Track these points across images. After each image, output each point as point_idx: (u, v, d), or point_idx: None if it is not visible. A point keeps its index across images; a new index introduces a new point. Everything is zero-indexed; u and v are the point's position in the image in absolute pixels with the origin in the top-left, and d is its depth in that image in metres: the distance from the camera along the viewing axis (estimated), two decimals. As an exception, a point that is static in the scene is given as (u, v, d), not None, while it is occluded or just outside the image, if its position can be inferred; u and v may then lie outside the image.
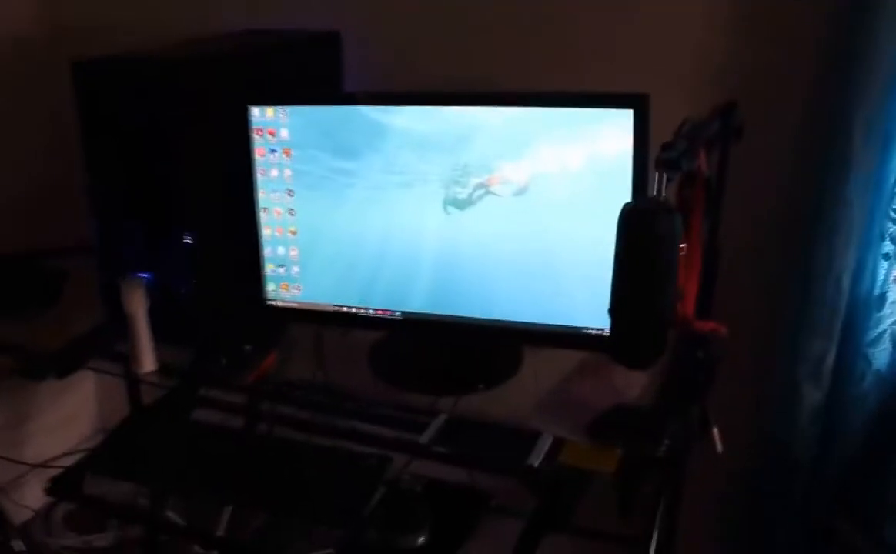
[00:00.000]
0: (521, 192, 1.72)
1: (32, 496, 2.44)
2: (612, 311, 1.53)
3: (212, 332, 1.91)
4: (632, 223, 1.45)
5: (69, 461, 2.07)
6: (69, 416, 2.55)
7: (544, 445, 1.68)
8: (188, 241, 1.83)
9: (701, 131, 1.58)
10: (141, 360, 1.87)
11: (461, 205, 1.76)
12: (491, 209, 1.75)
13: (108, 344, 1.93)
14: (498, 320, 1.83)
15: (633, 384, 1.81)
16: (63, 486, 1.93)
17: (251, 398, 2.09)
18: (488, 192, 1.74)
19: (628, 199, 1.65)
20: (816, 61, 1.81)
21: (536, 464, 1.64)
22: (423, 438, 1.71)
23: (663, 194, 1.49)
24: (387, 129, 1.78)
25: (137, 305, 1.84)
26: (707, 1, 1.89)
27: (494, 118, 1.73)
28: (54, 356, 1.93)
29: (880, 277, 1.85)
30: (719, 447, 1.70)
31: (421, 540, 1.69)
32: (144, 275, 1.86)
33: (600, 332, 1.75)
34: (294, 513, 1.78)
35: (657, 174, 1.49)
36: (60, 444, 2.35)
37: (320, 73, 2.13)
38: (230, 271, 1.94)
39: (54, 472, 1.98)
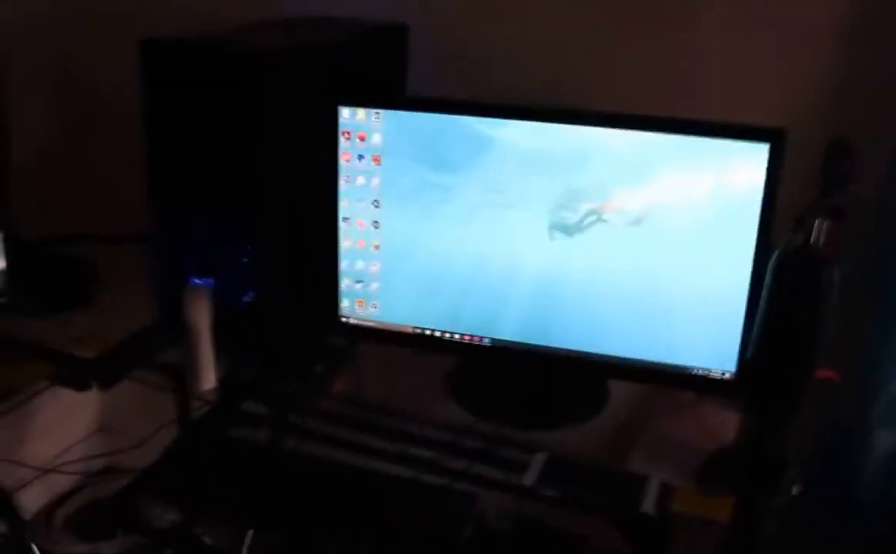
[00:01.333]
0: (637, 221, 1.60)
1: (29, 497, 2.21)
2: (756, 357, 1.44)
3: (279, 348, 1.73)
4: (795, 273, 1.36)
5: (76, 467, 1.92)
6: (67, 411, 2.33)
7: (653, 490, 1.58)
8: (256, 246, 1.66)
9: (833, 169, 1.50)
10: (201, 376, 1.68)
11: (569, 231, 1.63)
12: (602, 238, 1.62)
13: (156, 352, 1.74)
14: (597, 354, 1.70)
15: (728, 427, 1.72)
16: (122, 512, 1.72)
17: (322, 422, 1.88)
18: (600, 220, 1.61)
19: (753, 237, 1.56)
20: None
21: (651, 512, 1.54)
22: (528, 479, 1.58)
23: (822, 242, 1.41)
24: (490, 143, 1.63)
25: (202, 315, 1.65)
26: (809, 33, 1.79)
27: (615, 141, 1.59)
28: (97, 363, 1.72)
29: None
30: (796, 490, 1.63)
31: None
32: (208, 281, 1.67)
33: (707, 372, 1.65)
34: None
35: (818, 221, 1.41)
36: (59, 442, 2.14)
37: (382, 72, 1.92)
38: (302, 283, 1.76)
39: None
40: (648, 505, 1.54)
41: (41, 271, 1.98)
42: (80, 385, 1.74)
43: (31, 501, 2.03)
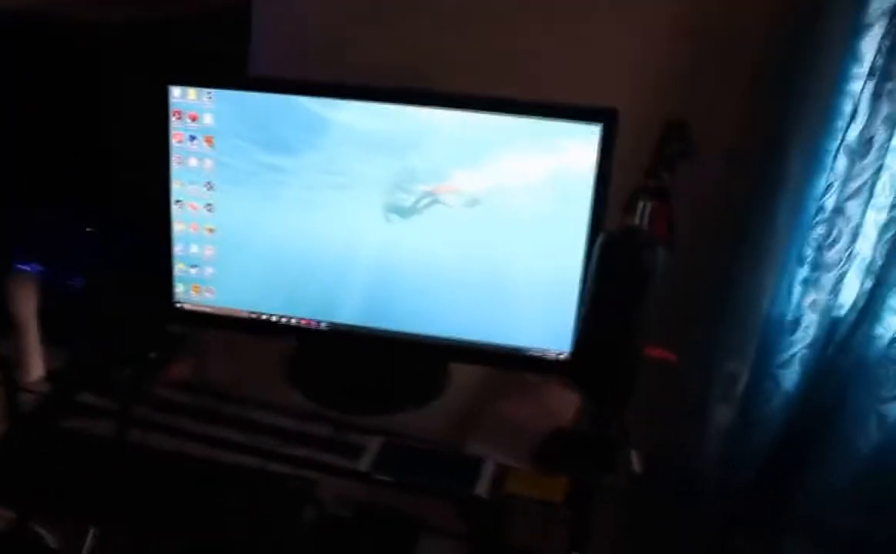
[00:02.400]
0: (472, 203, 1.57)
1: None
2: (584, 337, 1.42)
3: (112, 335, 1.65)
4: (618, 254, 1.35)
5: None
6: None
7: (488, 471, 1.55)
8: (88, 230, 1.57)
9: (665, 150, 1.50)
10: (27, 365, 1.60)
11: (405, 213, 1.59)
12: (438, 219, 1.59)
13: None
14: (435, 336, 1.67)
15: (568, 407, 1.71)
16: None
17: (152, 410, 1.78)
18: (436, 202, 1.58)
19: (586, 217, 1.54)
20: (755, 85, 1.75)
21: (485, 494, 1.51)
22: (364, 464, 1.54)
23: (647, 222, 1.40)
24: (327, 125, 1.57)
25: (26, 305, 1.57)
26: (650, 21, 1.79)
27: (450, 122, 1.55)
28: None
29: (795, 301, 1.82)
30: (637, 468, 1.62)
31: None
32: (34, 268, 1.58)
33: (544, 353, 1.64)
34: (215, 543, 1.53)
35: (642, 203, 1.40)
36: None
37: (222, 52, 1.82)
38: (136, 268, 1.67)
39: None
40: (482, 487, 1.52)
41: None
42: None
43: None
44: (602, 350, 1.41)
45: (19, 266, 1.57)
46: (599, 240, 1.37)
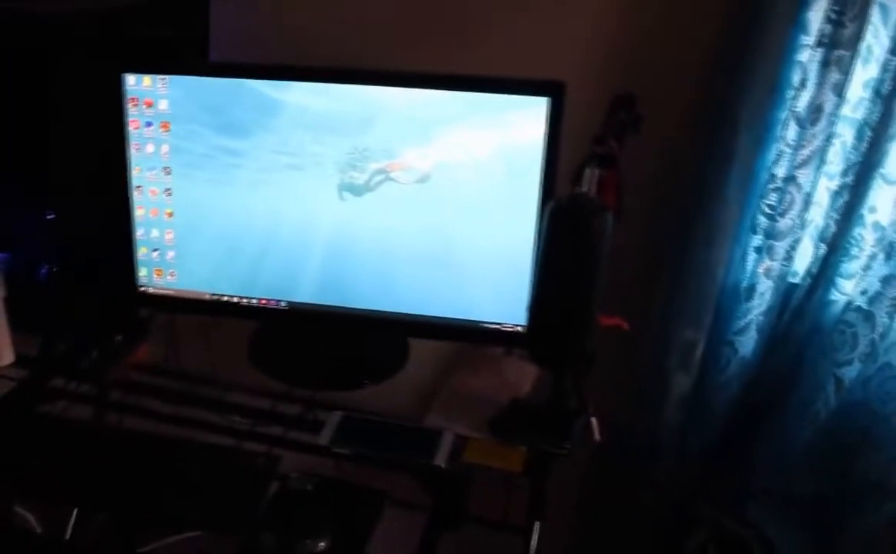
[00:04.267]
0: (423, 179, 1.55)
1: None
2: (537, 308, 1.40)
3: (77, 319, 1.63)
4: (566, 222, 1.32)
5: None
6: None
7: (446, 443, 1.53)
8: (50, 216, 1.55)
9: (612, 119, 1.47)
10: (-2, 351, 1.59)
11: (358, 191, 1.57)
12: (390, 197, 1.57)
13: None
14: (392, 312, 1.66)
15: (527, 378, 1.69)
16: None
17: (121, 393, 1.76)
18: (388, 179, 1.56)
19: (536, 190, 1.52)
20: (705, 58, 1.72)
21: (443, 464, 1.49)
22: (323, 439, 1.52)
23: (594, 190, 1.38)
24: (279, 107, 1.56)
25: (-8, 291, 1.55)
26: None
27: (399, 100, 1.54)
28: None
29: (749, 269, 1.80)
30: (597, 436, 1.60)
31: (322, 545, 1.49)
32: (1, 255, 1.56)
33: (499, 326, 1.62)
34: (180, 517, 1.51)
35: (589, 170, 1.38)
36: None
37: (179, 37, 1.79)
38: (98, 253, 1.65)
39: None
40: (441, 458, 1.50)
41: None
42: None
43: None
44: (556, 320, 1.40)
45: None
46: (548, 208, 1.36)
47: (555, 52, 1.74)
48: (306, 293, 1.66)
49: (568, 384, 1.53)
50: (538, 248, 1.44)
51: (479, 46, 1.79)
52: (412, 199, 1.57)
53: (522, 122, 1.50)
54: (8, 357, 1.61)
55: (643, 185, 1.76)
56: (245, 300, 1.68)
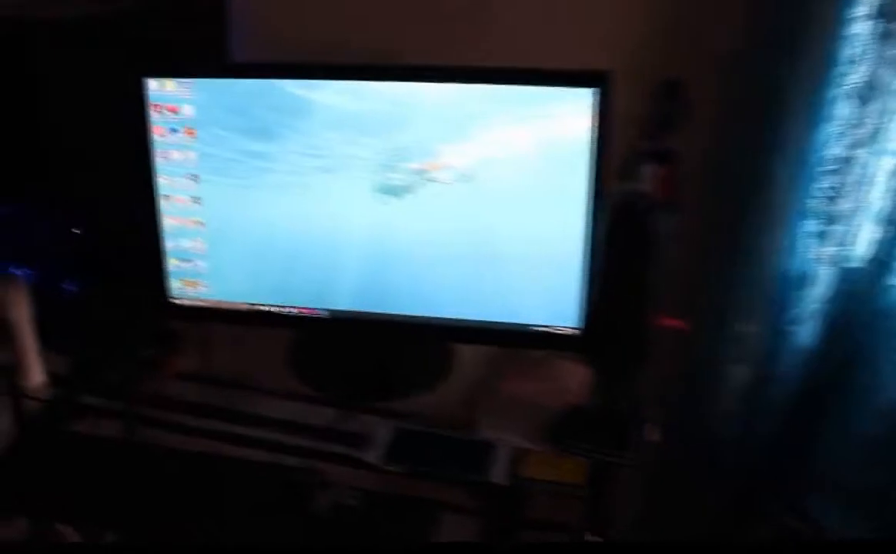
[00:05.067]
0: (466, 178, 1.46)
1: None
2: (595, 310, 1.32)
3: (107, 336, 1.55)
4: (627, 222, 1.25)
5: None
6: None
7: (503, 456, 1.45)
8: (76, 231, 1.47)
9: (659, 109, 1.38)
10: (28, 372, 1.52)
11: (397, 192, 1.48)
12: (431, 197, 1.48)
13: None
14: (437, 318, 1.57)
15: (575, 381, 1.60)
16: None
17: (155, 408, 1.68)
18: (428, 179, 1.47)
19: (584, 186, 1.43)
20: (754, 38, 1.61)
21: (503, 481, 1.41)
22: (375, 454, 1.45)
23: (653, 187, 1.29)
24: (308, 107, 1.47)
25: (19, 309, 1.48)
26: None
27: (435, 96, 1.44)
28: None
29: (806, 255, 1.70)
30: (655, 437, 1.52)
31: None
32: (23, 271, 1.49)
33: (550, 329, 1.53)
34: (228, 538, 1.43)
35: (644, 167, 1.29)
36: None
37: (198, 39, 1.69)
38: (127, 267, 1.58)
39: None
40: (498, 472, 1.42)
41: None
42: None
43: None
44: (616, 322, 1.32)
45: (7, 270, 1.48)
46: (607, 208, 1.28)
47: (588, 38, 1.63)
48: (345, 300, 1.58)
49: (623, 387, 1.45)
50: (591, 247, 1.36)
51: (516, 31, 1.68)
52: (454, 198, 1.47)
53: (566, 115, 1.40)
54: (39, 377, 1.55)
55: (691, 174, 1.68)
56: (284, 309, 1.60)
